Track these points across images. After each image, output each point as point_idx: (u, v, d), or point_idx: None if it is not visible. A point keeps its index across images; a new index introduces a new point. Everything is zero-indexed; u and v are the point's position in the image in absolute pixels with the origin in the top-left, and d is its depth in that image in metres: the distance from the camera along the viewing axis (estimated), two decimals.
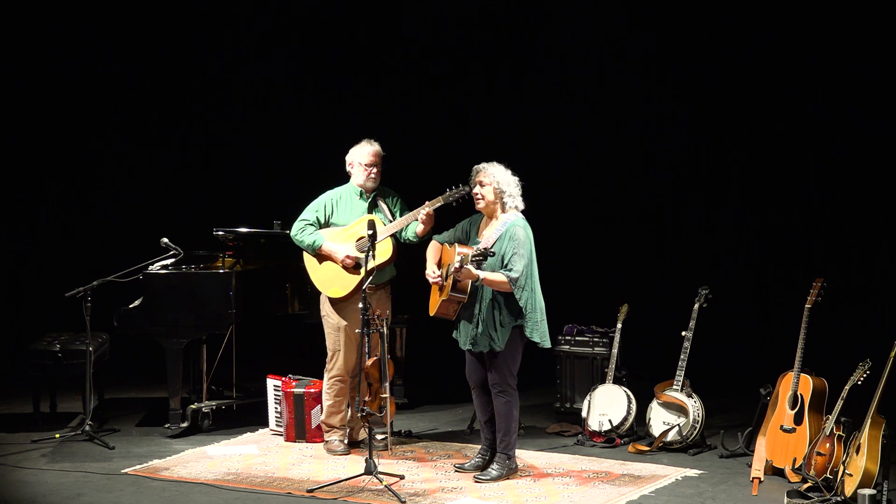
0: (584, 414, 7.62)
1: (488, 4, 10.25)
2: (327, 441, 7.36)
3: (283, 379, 7.73)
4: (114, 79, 10.62)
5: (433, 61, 10.47)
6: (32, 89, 10.50)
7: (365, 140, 7.26)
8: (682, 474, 6.78)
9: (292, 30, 10.67)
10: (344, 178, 7.33)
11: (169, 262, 7.74)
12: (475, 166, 6.72)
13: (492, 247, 6.54)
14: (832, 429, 6.30)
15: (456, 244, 6.66)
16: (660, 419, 7.36)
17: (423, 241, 7.04)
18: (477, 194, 6.67)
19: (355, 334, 6.96)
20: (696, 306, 7.42)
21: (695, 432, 7.25)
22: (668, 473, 6.79)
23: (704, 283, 7.50)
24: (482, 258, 6.38)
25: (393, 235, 7.15)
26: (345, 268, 7.13)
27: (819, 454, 6.31)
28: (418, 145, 9.78)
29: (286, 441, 7.60)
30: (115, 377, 8.83)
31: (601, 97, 10.05)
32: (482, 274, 6.46)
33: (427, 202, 7.02)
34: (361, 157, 7.22)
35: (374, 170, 7.21)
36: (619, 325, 7.75)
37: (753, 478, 6.62)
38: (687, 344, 7.32)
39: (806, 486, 6.35)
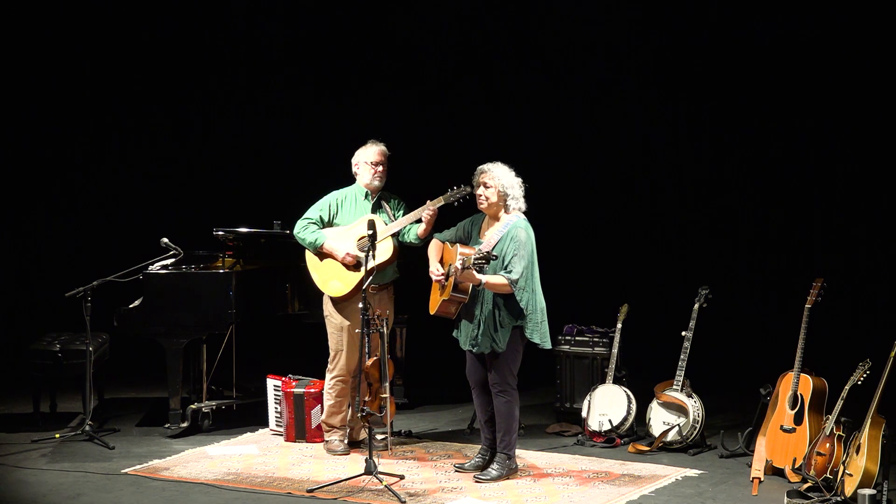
0: (584, 414, 7.62)
1: (488, 4, 10.25)
2: (327, 441, 7.36)
3: (283, 379, 7.73)
4: (114, 78, 10.62)
5: (434, 62, 10.46)
6: (32, 89, 10.49)
7: (370, 140, 7.30)
8: (682, 474, 6.78)
9: (293, 30, 10.67)
10: (346, 179, 7.34)
11: (169, 262, 7.74)
12: (479, 167, 6.68)
13: (493, 248, 6.52)
14: (832, 429, 6.30)
15: (458, 244, 6.64)
16: (660, 419, 7.36)
17: (425, 242, 7.03)
18: (480, 196, 6.64)
19: (357, 335, 6.95)
20: (696, 306, 7.41)
21: (695, 432, 7.25)
22: (668, 473, 6.79)
23: (704, 283, 7.50)
24: (484, 262, 6.32)
25: (394, 236, 7.15)
26: (345, 266, 7.14)
27: (819, 454, 6.31)
28: (419, 146, 9.76)
29: (286, 441, 7.60)
30: (115, 377, 8.82)
31: (601, 97, 10.04)
32: (484, 278, 6.43)
33: (429, 201, 7.01)
34: (367, 156, 7.24)
35: (380, 168, 7.23)
36: (619, 325, 7.75)
37: (753, 478, 6.61)
38: (687, 344, 7.32)
39: (806, 486, 6.35)
